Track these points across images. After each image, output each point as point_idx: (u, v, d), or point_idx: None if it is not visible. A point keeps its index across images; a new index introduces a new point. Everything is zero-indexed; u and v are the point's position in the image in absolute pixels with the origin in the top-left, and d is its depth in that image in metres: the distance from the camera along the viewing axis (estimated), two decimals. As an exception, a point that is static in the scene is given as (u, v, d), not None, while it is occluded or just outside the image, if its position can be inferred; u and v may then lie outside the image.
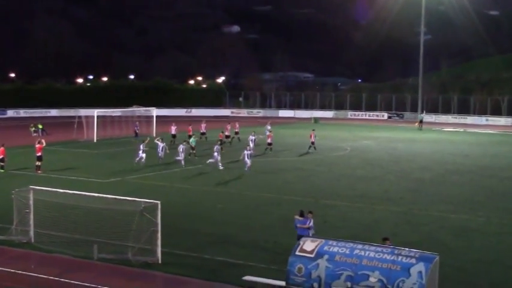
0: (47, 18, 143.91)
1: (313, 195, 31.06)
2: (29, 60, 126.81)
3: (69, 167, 39.82)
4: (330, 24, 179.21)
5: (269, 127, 55.98)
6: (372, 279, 15.26)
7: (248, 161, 37.73)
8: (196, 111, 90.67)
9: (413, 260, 15.26)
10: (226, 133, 53.84)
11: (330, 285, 15.65)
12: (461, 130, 74.37)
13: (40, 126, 61.79)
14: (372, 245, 16.42)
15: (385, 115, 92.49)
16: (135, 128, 58.43)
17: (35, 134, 59.23)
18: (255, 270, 19.19)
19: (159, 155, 41.25)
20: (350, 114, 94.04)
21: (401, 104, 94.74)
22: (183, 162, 40.05)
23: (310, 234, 20.21)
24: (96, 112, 57.22)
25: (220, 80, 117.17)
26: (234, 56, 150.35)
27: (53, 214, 22.27)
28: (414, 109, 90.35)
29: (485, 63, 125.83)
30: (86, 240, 21.39)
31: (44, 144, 39.33)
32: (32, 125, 63.57)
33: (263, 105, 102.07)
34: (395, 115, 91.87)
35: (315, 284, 15.81)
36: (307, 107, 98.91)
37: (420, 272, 14.96)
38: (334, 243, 16.40)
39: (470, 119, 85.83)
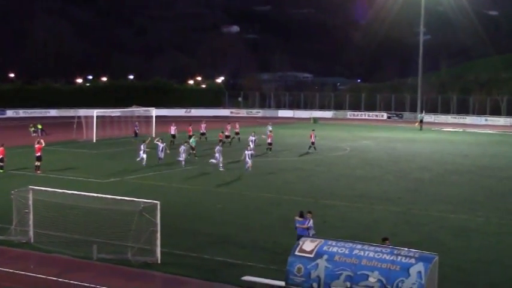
0: (47, 18, 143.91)
1: (312, 195, 31.07)
2: (28, 60, 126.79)
3: (68, 167, 39.81)
4: (329, 24, 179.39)
5: (270, 127, 56.07)
6: (371, 279, 15.27)
7: (249, 161, 37.68)
8: (195, 111, 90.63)
9: (413, 260, 15.27)
10: (226, 133, 53.87)
11: (329, 285, 15.67)
12: (461, 130, 74.39)
13: (39, 127, 61.75)
14: (371, 245, 16.43)
15: (385, 115, 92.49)
16: (135, 128, 58.37)
17: (34, 134, 59.19)
18: (254, 270, 19.20)
19: (159, 155, 41.20)
20: (349, 114, 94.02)
21: (400, 104, 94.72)
22: (183, 162, 40.08)
23: (310, 234, 20.24)
24: (95, 112, 57.19)
25: (220, 80, 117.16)
26: (233, 56, 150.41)
27: (52, 214, 22.27)
28: (413, 109, 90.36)
29: (484, 63, 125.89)
30: (85, 241, 21.39)
31: (43, 144, 39.31)
32: (31, 125, 63.53)
33: (262, 105, 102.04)
34: (394, 115, 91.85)
35: (314, 284, 15.82)
36: (307, 107, 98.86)
37: (419, 272, 14.97)
38: (334, 243, 16.42)
39: (469, 119, 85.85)
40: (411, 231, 24.72)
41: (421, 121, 74.87)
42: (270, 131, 52.37)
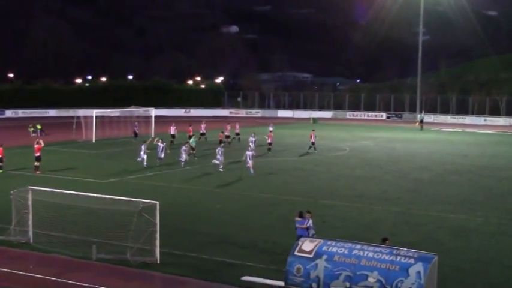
0: (46, 18, 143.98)
1: (312, 196, 31.06)
2: (27, 60, 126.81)
3: (67, 167, 39.79)
4: (329, 25, 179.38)
5: (271, 128, 56.15)
6: (371, 280, 15.27)
7: (250, 162, 37.61)
8: (195, 112, 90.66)
9: (412, 260, 15.27)
10: (226, 133, 53.89)
11: (329, 286, 15.67)
12: (460, 130, 74.42)
13: (39, 127, 61.76)
14: (371, 245, 16.43)
15: (384, 115, 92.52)
16: (135, 129, 58.26)
17: (33, 135, 59.20)
18: (253, 270, 19.20)
19: (159, 155, 41.14)
20: (349, 114, 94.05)
21: (400, 104, 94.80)
22: (183, 162, 40.08)
23: (310, 234, 20.25)
24: (94, 112, 57.14)
25: (219, 80, 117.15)
26: (232, 56, 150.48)
27: (51, 214, 22.25)
28: (413, 109, 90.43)
29: (483, 63, 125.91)
30: (85, 241, 21.40)
31: (43, 144, 39.27)
32: (30, 125, 63.53)
33: (262, 106, 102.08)
34: (394, 115, 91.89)
35: (314, 284, 15.82)
36: (306, 107, 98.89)
37: (419, 272, 14.97)
38: (333, 243, 16.41)
39: (468, 119, 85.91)
40: (410, 231, 24.72)
41: (422, 121, 74.89)
42: (271, 131, 52.40)
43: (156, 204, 20.44)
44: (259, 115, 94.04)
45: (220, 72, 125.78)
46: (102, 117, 60.66)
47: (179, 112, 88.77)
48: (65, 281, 18.61)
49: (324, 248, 16.17)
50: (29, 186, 23.11)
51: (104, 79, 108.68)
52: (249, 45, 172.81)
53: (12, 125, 73.95)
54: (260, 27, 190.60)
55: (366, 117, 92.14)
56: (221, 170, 38.48)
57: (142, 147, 40.18)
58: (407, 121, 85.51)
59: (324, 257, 15.95)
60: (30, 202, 22.28)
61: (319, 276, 15.79)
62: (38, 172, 37.13)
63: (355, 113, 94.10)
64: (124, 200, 21.65)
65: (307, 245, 16.43)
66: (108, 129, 58.97)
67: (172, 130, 53.71)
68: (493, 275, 19.66)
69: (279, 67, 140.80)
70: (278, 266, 18.62)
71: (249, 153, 38.00)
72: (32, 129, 62.05)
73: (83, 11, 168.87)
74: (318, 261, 15.93)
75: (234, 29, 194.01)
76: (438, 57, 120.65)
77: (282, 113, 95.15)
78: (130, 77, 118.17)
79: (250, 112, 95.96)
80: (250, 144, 44.74)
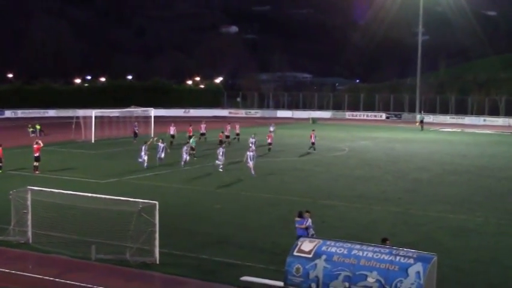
0: (45, 19, 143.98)
1: (311, 196, 31.07)
2: (27, 60, 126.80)
3: (67, 168, 39.78)
4: (328, 25, 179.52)
5: (272, 128, 56.15)
6: (370, 280, 15.27)
7: (251, 163, 37.53)
8: (194, 112, 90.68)
9: (411, 260, 15.28)
10: (226, 133, 53.90)
11: (328, 286, 15.67)
12: (459, 130, 74.43)
13: (38, 127, 61.76)
14: (370, 245, 16.43)
15: (383, 115, 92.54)
16: (134, 129, 58.15)
17: (32, 135, 59.19)
18: (253, 270, 19.20)
19: (159, 155, 41.11)
20: (348, 114, 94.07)
21: (399, 104, 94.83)
22: (182, 163, 40.08)
23: (310, 234, 20.25)
24: (94, 112, 57.14)
25: (218, 80, 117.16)
26: (232, 56, 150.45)
27: (50, 215, 22.25)
28: (412, 109, 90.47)
29: (482, 63, 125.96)
30: (84, 241, 21.39)
31: (42, 144, 39.26)
32: (29, 125, 63.50)
33: (261, 106, 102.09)
34: (393, 115, 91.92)
35: (313, 285, 15.82)
36: (305, 107, 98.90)
37: (418, 272, 14.97)
38: (332, 243, 16.41)
39: (468, 119, 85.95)
40: (410, 231, 24.72)
41: (422, 121, 74.87)
42: (271, 131, 52.40)
43: (155, 204, 20.44)
44: (258, 115, 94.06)
45: (220, 73, 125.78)
46: (102, 117, 60.67)
47: (178, 112, 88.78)
48: (64, 281, 18.60)
49: (323, 248, 16.17)
50: (28, 187, 23.09)
51: (103, 79, 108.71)
52: (249, 45, 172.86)
53: (11, 125, 73.93)
54: (259, 27, 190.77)
55: (365, 118, 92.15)
56: (221, 170, 38.47)
57: (143, 147, 40.11)
58: (406, 121, 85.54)
59: (323, 257, 15.95)
60: (29, 202, 22.26)
61: (319, 276, 15.79)
62: (37, 172, 37.12)
63: (354, 113, 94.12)
64: (123, 200, 21.64)
65: (307, 245, 16.44)
66: (108, 130, 58.97)
67: (172, 130, 53.69)
68: (492, 275, 19.66)
69: (279, 67, 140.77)
70: (277, 266, 18.61)
71: (250, 154, 37.95)
72: (31, 129, 62.03)
73: (82, 11, 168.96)
74: (317, 261, 15.93)
75: (234, 29, 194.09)
76: (437, 57, 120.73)
77: (281, 113, 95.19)
78: (130, 77, 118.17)
79: (250, 112, 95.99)
80: (251, 145, 44.63)
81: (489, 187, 35.06)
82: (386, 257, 15.51)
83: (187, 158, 40.85)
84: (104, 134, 57.70)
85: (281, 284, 16.62)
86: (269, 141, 48.67)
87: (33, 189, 22.82)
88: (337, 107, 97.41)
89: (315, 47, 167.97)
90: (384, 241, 17.72)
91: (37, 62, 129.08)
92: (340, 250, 16.01)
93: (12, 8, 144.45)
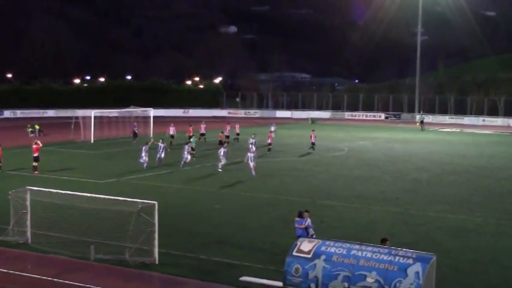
0: (45, 19, 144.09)
1: (310, 196, 31.07)
2: (26, 60, 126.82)
3: (66, 168, 39.76)
4: (327, 25, 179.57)
5: (272, 128, 56.11)
6: (369, 280, 15.27)
7: (251, 164, 37.52)
8: (193, 112, 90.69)
9: (411, 261, 15.27)
10: (226, 133, 53.91)
11: (327, 286, 15.66)
12: (458, 130, 74.44)
13: (37, 127, 61.73)
14: (369, 245, 16.43)
15: (382, 115, 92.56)
16: (134, 129, 58.07)
17: (32, 135, 59.16)
18: (252, 270, 19.20)
19: (158, 155, 41.07)
20: (347, 114, 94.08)
21: (398, 105, 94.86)
22: (182, 163, 40.06)
23: (310, 234, 20.25)
24: (93, 113, 57.14)
25: (217, 80, 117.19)
26: (231, 57, 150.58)
27: (49, 215, 22.24)
28: (411, 109, 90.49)
29: (482, 63, 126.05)
30: (83, 241, 21.37)
31: (41, 144, 39.23)
32: (29, 125, 63.47)
33: (260, 106, 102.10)
34: (392, 115, 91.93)
35: (312, 285, 15.82)
36: (304, 107, 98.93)
37: (417, 273, 14.97)
38: (331, 243, 16.41)
39: (467, 120, 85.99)
40: (409, 231, 24.72)
41: (422, 122, 74.84)
42: (271, 131, 52.41)
43: (154, 204, 20.43)
44: (257, 115, 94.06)
45: (219, 73, 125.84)
46: (101, 117, 60.65)
47: (178, 112, 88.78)
48: (63, 281, 18.59)
49: (323, 248, 16.17)
50: (27, 187, 23.08)
51: (102, 79, 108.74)
52: (248, 45, 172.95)
53: (10, 125, 73.87)
54: (258, 27, 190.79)
55: (364, 118, 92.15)
56: (220, 170, 38.47)
57: (144, 148, 40.02)
58: (405, 121, 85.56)
59: (323, 257, 15.94)
60: (28, 202, 22.25)
61: (318, 276, 15.79)
62: (36, 172, 37.09)
63: (353, 114, 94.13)
64: (122, 200, 21.63)
65: (306, 245, 16.43)
66: (107, 130, 58.94)
67: (171, 130, 53.66)
68: (491, 275, 19.66)
69: (278, 67, 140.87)
70: (277, 266, 18.61)
71: (250, 155, 37.91)
72: (30, 129, 61.99)
73: (81, 11, 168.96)
74: (316, 261, 15.92)
75: (233, 29, 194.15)
76: (436, 57, 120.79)
77: (281, 114, 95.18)
78: (129, 77, 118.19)
79: (249, 112, 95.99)
80: (251, 145, 44.56)
81: (488, 187, 35.07)
82: (385, 257, 15.51)
83: (189, 157, 40.80)
84: (103, 134, 57.67)
85: (280, 284, 16.61)
86: (269, 141, 48.68)
87: (32, 189, 22.80)
88: (336, 107, 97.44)
89: (314, 47, 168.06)
90: (383, 241, 17.71)
91: (36, 62, 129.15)
92: (340, 250, 16.01)
93: (12, 8, 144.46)
